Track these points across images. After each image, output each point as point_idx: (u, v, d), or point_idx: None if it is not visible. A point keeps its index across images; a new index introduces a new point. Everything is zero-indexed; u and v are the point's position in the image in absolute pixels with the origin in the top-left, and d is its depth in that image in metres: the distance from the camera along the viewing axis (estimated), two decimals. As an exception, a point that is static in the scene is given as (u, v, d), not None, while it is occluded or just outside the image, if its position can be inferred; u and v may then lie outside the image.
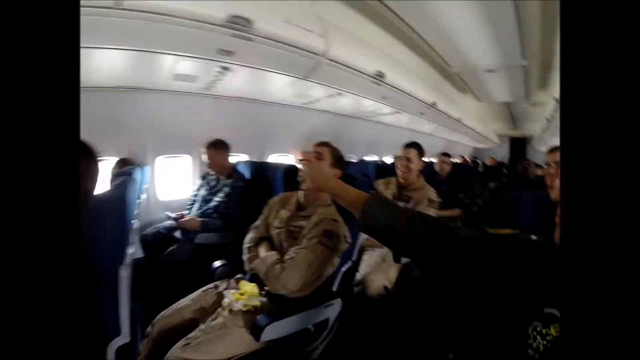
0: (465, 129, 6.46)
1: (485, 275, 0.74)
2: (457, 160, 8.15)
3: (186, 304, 1.50)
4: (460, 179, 3.67)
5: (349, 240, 1.47)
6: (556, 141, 6.05)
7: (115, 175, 1.74)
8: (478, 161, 8.32)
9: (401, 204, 2.27)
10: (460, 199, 3.48)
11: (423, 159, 2.48)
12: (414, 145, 2.46)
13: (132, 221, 1.28)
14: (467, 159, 8.91)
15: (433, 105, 4.13)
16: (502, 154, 10.78)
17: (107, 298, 1.01)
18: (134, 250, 1.43)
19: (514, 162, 10.17)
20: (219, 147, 2.56)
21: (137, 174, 1.92)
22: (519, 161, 3.79)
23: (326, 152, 1.59)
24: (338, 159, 1.62)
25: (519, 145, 10.64)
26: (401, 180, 2.45)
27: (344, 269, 1.62)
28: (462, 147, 10.25)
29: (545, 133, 6.15)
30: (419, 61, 3.64)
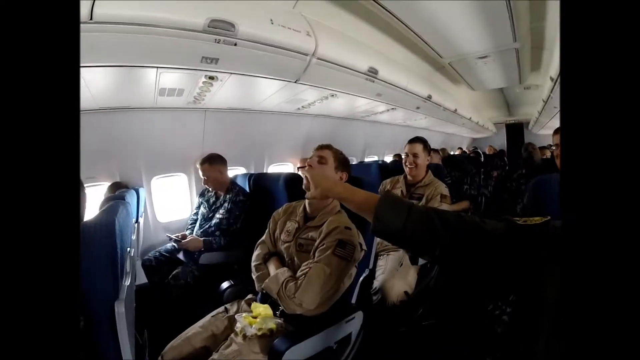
0: (462, 120, 6.39)
1: (517, 271, 0.66)
2: (456, 152, 8.11)
3: (196, 331, 1.38)
4: (462, 171, 3.60)
5: (365, 247, 1.36)
6: (555, 122, 6.00)
7: (106, 200, 1.63)
8: (479, 151, 8.24)
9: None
10: (466, 190, 3.41)
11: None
12: (420, 140, 2.39)
13: (127, 248, 1.16)
14: (466, 150, 8.85)
15: (428, 99, 4.05)
16: (499, 141, 10.72)
17: (104, 338, 0.90)
18: (132, 279, 1.32)
19: (512, 149, 10.13)
20: (214, 162, 2.46)
21: (131, 197, 1.81)
22: (524, 146, 3.70)
23: (329, 155, 1.48)
24: (342, 162, 1.51)
25: (515, 131, 10.56)
26: (409, 177, 2.38)
27: (361, 278, 1.50)
28: (460, 139, 10.20)
29: (542, 115, 6.06)
30: (409, 54, 3.56)
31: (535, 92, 5.91)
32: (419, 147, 2.35)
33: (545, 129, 8.25)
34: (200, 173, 2.47)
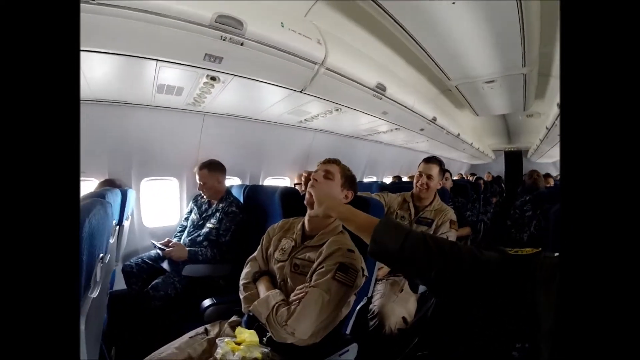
0: (464, 146, 6.33)
1: (511, 300, 0.68)
2: (455, 177, 8.05)
3: (171, 352, 1.22)
4: (465, 197, 3.52)
5: (367, 273, 1.22)
6: (556, 151, 5.96)
7: (84, 198, 1.48)
8: (481, 178, 8.19)
9: (423, 228, 2.05)
10: (468, 217, 3.34)
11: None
12: (436, 161, 2.20)
13: (100, 254, 1.01)
14: (465, 176, 8.81)
15: (433, 121, 3.98)
16: (497, 168, 10.71)
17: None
18: (104, 290, 1.17)
19: (510, 176, 10.13)
20: (213, 169, 2.36)
21: (113, 197, 1.67)
22: (529, 173, 3.66)
23: (336, 170, 1.37)
24: (349, 179, 1.40)
25: (513, 158, 10.56)
26: (417, 199, 2.23)
27: (358, 306, 1.37)
28: (459, 165, 10.18)
29: (544, 143, 6.03)
30: (416, 74, 3.52)
31: (537, 120, 5.91)
32: (434, 169, 2.15)
33: (545, 157, 8.26)
34: (197, 178, 2.37)
